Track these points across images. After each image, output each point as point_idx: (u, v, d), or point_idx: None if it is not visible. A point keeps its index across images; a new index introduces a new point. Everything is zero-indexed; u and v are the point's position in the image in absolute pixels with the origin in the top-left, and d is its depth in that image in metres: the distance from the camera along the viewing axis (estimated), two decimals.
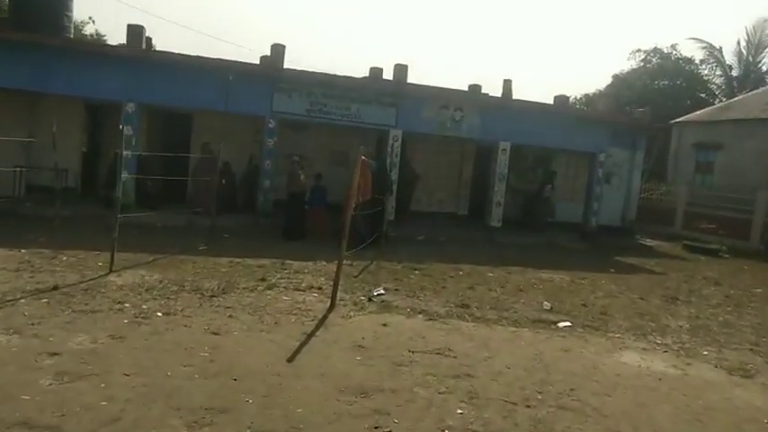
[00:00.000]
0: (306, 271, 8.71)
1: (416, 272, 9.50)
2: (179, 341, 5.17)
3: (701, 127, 22.28)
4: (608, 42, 61.61)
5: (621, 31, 60.89)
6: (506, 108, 15.00)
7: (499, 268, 10.52)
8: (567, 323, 7.10)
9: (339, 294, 7.30)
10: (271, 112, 13.20)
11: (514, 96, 17.25)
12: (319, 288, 7.63)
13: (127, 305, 6.07)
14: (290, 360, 5.00)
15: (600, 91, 34.77)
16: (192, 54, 12.21)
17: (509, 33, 69.42)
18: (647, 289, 10.02)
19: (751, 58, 31.70)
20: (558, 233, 16.01)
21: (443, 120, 14.52)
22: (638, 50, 34.69)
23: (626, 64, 42.75)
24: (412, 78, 15.53)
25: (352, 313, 6.66)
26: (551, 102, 17.12)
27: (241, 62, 12.63)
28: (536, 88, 53.42)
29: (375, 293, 7.67)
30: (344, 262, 9.48)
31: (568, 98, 17.53)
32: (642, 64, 34.29)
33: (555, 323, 7.07)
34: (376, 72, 15.93)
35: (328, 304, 6.83)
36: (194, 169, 12.98)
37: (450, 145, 16.84)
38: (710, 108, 24.90)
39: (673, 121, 22.87)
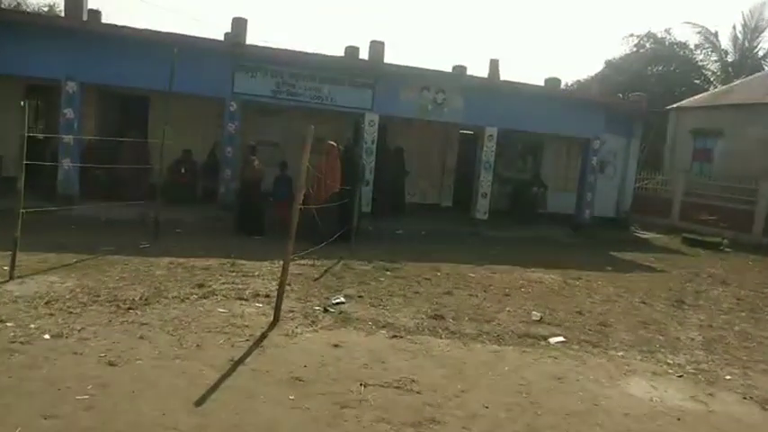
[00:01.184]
0: (257, 274, 7.49)
1: (388, 273, 8.31)
2: (56, 378, 3.95)
3: (699, 112, 21.17)
4: (600, 27, 60.43)
5: (614, 15, 59.68)
6: (493, 90, 13.78)
7: (483, 267, 9.36)
8: (560, 338, 5.95)
9: (289, 304, 6.13)
10: (231, 94, 11.91)
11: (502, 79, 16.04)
12: (266, 296, 6.42)
13: (9, 324, 4.83)
14: (198, 403, 3.80)
15: (592, 77, 33.63)
16: (141, 27, 10.87)
17: (496, 17, 67.94)
18: (649, 290, 8.90)
19: (747, 43, 30.62)
20: (550, 225, 14.92)
21: (424, 103, 13.28)
22: (632, 35, 33.61)
23: (619, 49, 41.74)
24: (391, 59, 14.31)
25: (299, 329, 5.45)
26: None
27: (195, 37, 11.30)
28: (525, 75, 52.17)
29: (333, 302, 6.48)
30: (306, 262, 8.41)
31: (560, 81, 16.35)
32: (635, 49, 33.18)
33: (545, 338, 5.91)
34: (352, 51, 14.66)
35: (272, 318, 5.63)
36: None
37: (434, 130, 15.64)
38: (709, 92, 23.80)
39: (669, 107, 21.76)
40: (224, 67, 11.80)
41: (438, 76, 13.26)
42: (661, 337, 6.38)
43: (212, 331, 5.16)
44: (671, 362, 5.56)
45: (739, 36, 30.32)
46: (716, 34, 30.72)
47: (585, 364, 5.25)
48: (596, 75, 33.55)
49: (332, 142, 10.69)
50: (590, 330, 6.38)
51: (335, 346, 5.11)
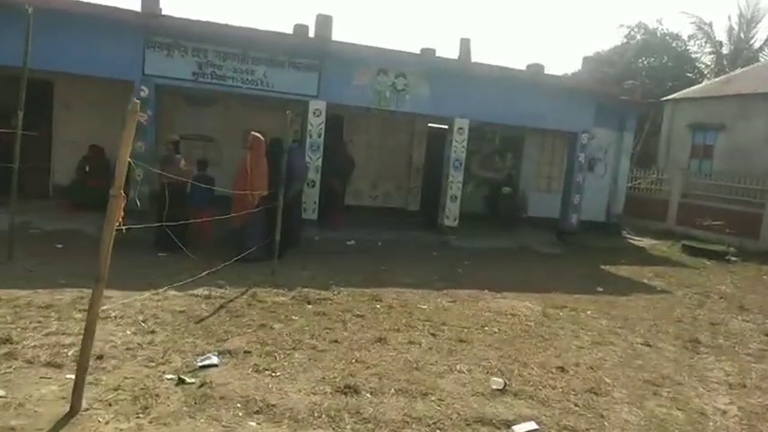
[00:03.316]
0: (114, 314, 5.36)
1: (309, 307, 6.24)
2: None
3: (698, 104, 19.24)
4: (589, 17, 58.57)
5: (603, 4, 57.83)
6: (464, 75, 11.70)
7: (440, 293, 7.33)
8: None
9: (126, 370, 4.10)
10: (141, 76, 9.75)
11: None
12: (99, 357, 4.29)
13: None
14: None
15: (580, 67, 31.75)
16: None
17: (472, 2, 65.74)
18: (652, 324, 6.91)
19: (743, 35, 29.09)
20: (531, 232, 12.97)
21: (381, 89, 11.20)
22: (622, 25, 31.98)
23: (608, 41, 40.06)
24: (346, 40, 12.22)
25: (108, 428, 3.36)
26: None
27: (91, 3, 9.14)
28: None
29: (199, 364, 4.39)
30: (202, 292, 6.34)
31: (544, 67, 14.32)
32: (626, 40, 31.45)
33: (509, 425, 3.87)
34: (302, 30, 12.49)
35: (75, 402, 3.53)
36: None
37: (397, 123, 13.60)
38: (709, 83, 21.97)
39: (665, 98, 19.88)
40: (132, 44, 9.64)
41: (397, 57, 11.17)
42: (679, 413, 4.37)
43: None
44: None
45: (734, 27, 29.01)
46: (710, 25, 29.19)
47: None
48: (587, 58, 31.66)
49: (256, 134, 8.62)
50: (576, 404, 4.34)
51: None
